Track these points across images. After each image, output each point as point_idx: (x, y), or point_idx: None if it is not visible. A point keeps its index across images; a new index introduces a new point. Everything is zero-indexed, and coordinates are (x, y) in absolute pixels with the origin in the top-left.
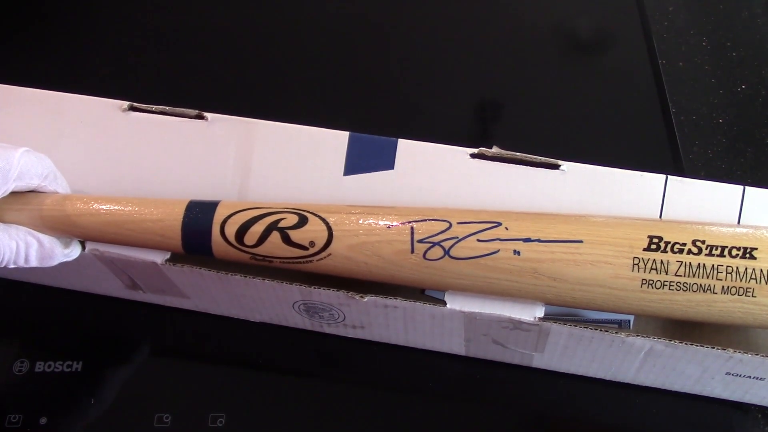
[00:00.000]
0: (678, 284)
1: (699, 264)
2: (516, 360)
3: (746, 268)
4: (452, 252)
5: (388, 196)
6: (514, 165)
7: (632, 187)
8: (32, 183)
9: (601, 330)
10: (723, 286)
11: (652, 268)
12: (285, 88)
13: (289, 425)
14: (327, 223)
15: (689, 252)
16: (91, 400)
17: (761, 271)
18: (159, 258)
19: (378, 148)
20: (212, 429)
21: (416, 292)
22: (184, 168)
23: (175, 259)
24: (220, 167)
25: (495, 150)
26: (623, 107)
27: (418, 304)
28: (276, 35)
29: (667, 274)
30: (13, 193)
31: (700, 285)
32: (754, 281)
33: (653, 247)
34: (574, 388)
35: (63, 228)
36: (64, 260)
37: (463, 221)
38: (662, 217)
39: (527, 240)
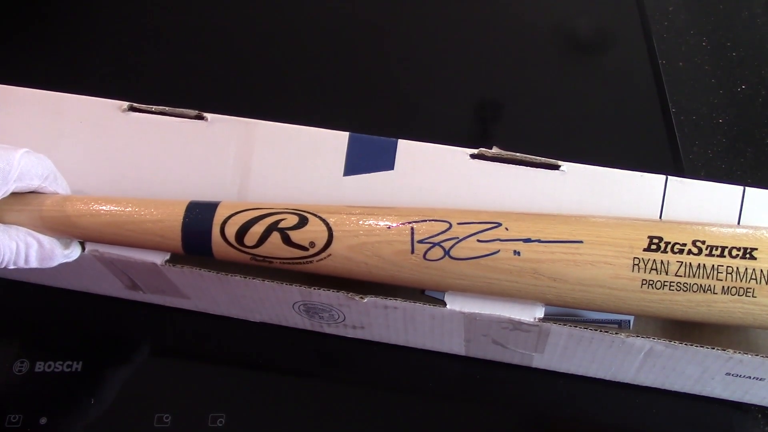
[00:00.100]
0: (678, 284)
1: (699, 264)
2: (516, 360)
3: (746, 269)
4: (452, 252)
5: (388, 197)
6: (513, 165)
7: (632, 188)
8: (32, 184)
9: (601, 330)
10: (723, 287)
11: (652, 269)
12: (285, 88)
13: (289, 425)
14: (327, 224)
15: (689, 252)
16: (91, 400)
17: (761, 271)
18: (159, 259)
19: (378, 148)
20: (212, 429)
21: (416, 292)
22: (184, 168)
23: (174, 260)
24: (219, 168)
25: (495, 150)
26: (623, 107)
27: (418, 305)
28: (276, 35)
29: (667, 274)
30: (13, 194)
31: (700, 285)
32: (754, 281)
33: (653, 247)
34: (574, 388)
35: (63, 229)
36: (64, 261)
37: (463, 222)
38: (662, 217)
39: (527, 240)
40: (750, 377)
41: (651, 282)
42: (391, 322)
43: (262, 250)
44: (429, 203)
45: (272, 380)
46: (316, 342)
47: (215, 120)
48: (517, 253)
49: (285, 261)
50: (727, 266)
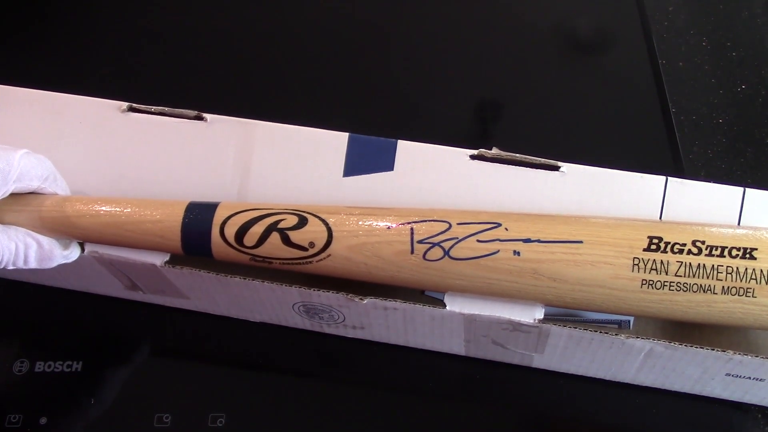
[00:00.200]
0: (678, 284)
1: (699, 264)
2: (516, 360)
3: (746, 269)
4: (452, 252)
5: (387, 197)
6: (513, 166)
7: (632, 188)
8: (32, 185)
9: (600, 331)
10: (723, 287)
11: (652, 269)
12: (285, 89)
13: (289, 425)
14: (327, 224)
15: (689, 252)
16: (91, 400)
17: (761, 271)
18: (158, 260)
19: (378, 149)
20: (212, 429)
21: (416, 293)
22: (183, 169)
23: (174, 260)
24: (219, 168)
25: (494, 151)
26: (623, 107)
27: (418, 306)
28: (276, 35)
29: (667, 274)
30: (13, 195)
31: (700, 285)
32: (754, 281)
33: (653, 247)
34: (574, 388)
35: (62, 229)
36: (64, 262)
37: (462, 222)
38: (662, 218)
39: (527, 240)
40: (750, 378)
41: (651, 282)
42: (391, 323)
43: (261, 251)
44: (429, 204)
45: (272, 380)
46: (316, 342)
47: (215, 120)
48: (516, 253)
49: (285, 261)
50: (727, 266)
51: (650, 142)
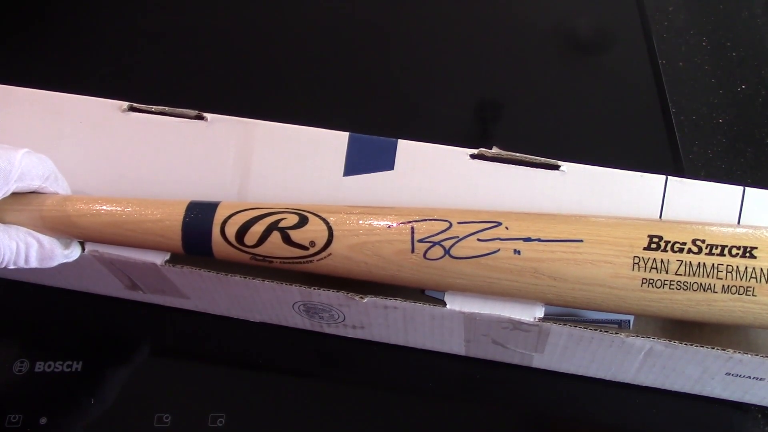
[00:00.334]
0: (678, 283)
1: (699, 263)
2: (516, 360)
3: (746, 267)
4: (453, 251)
5: (388, 197)
6: (513, 166)
7: (632, 188)
8: (33, 184)
9: (601, 330)
10: (723, 285)
11: (652, 268)
12: (285, 88)
13: (289, 425)
14: (327, 223)
15: (689, 251)
16: (91, 400)
17: (761, 270)
18: (158, 259)
19: (378, 148)
20: (212, 429)
21: (416, 292)
22: (184, 168)
23: (174, 260)
24: (219, 168)
25: (495, 151)
26: (623, 107)
27: (418, 305)
28: (276, 35)
29: (667, 273)
30: (14, 194)
31: (701, 284)
32: (754, 280)
33: (653, 246)
34: (574, 388)
35: (63, 229)
36: (64, 261)
37: (463, 221)
38: (662, 217)
39: (527, 239)
40: (750, 377)
41: (651, 281)
42: (391, 322)
43: (262, 250)
44: (429, 203)
45: (272, 380)
46: (316, 342)
47: (215, 120)
48: (517, 252)
49: (285, 260)
50: (727, 265)
51: (650, 142)
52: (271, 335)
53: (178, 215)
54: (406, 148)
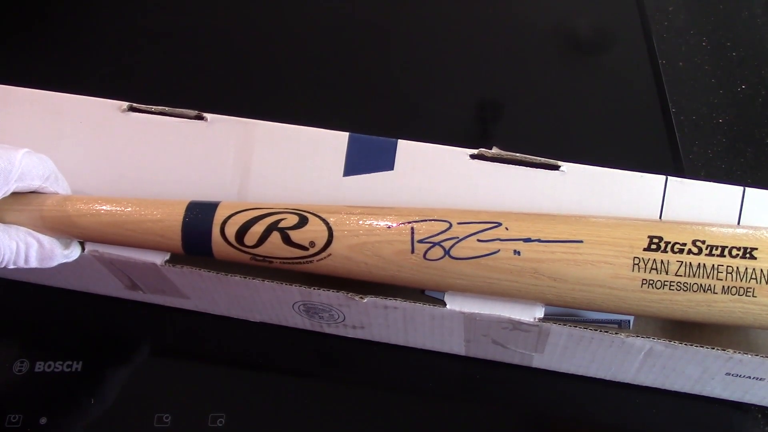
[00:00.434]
0: (678, 284)
1: (699, 264)
2: (516, 360)
3: (746, 268)
4: (452, 252)
5: (388, 197)
6: (513, 166)
7: (632, 188)
8: (33, 184)
9: (600, 330)
10: (723, 286)
11: (652, 268)
12: (285, 88)
13: (289, 425)
14: (327, 224)
15: (689, 252)
16: (91, 400)
17: (761, 271)
18: (158, 259)
19: (378, 148)
20: (212, 429)
21: (416, 292)
22: (183, 168)
23: (174, 260)
24: (219, 168)
25: (495, 151)
26: (623, 107)
27: (418, 305)
28: (276, 35)
29: (667, 274)
30: (14, 194)
31: (701, 285)
32: (754, 281)
33: (653, 247)
34: (574, 388)
35: (63, 229)
36: (64, 261)
37: (463, 221)
38: (662, 217)
39: (527, 240)
40: (750, 377)
41: (651, 282)
42: (391, 322)
43: (262, 250)
44: (429, 203)
45: (272, 380)
46: (316, 342)
47: (215, 120)
48: (517, 252)
49: (285, 261)
50: (727, 266)
51: (650, 142)
52: (271, 335)
53: (178, 215)
54: (406, 148)
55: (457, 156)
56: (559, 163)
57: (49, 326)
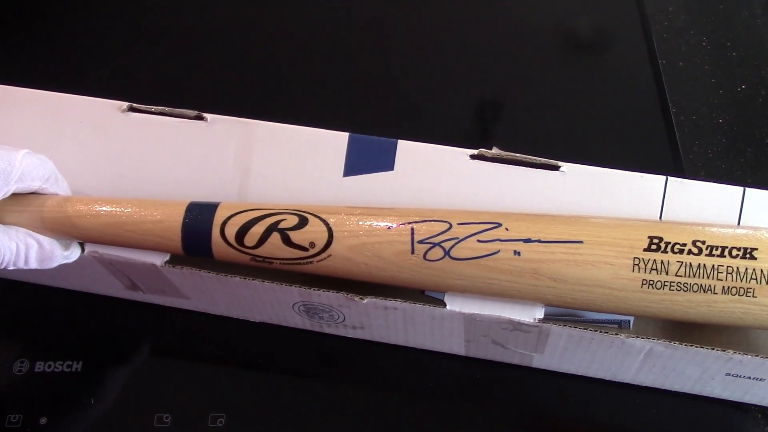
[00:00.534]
0: (678, 284)
1: (699, 264)
2: (516, 360)
3: (746, 269)
4: (453, 253)
5: (388, 197)
6: (513, 166)
7: (632, 189)
8: (33, 185)
9: (600, 331)
10: (723, 287)
11: (652, 269)
12: (285, 89)
13: (289, 425)
14: (327, 224)
15: (689, 252)
16: (91, 400)
17: (761, 271)
18: (158, 260)
19: (378, 149)
20: (212, 429)
21: (416, 293)
22: (183, 169)
23: (174, 260)
24: (219, 168)
25: (495, 151)
26: (623, 107)
27: (418, 306)
28: (276, 35)
29: (667, 274)
30: (14, 195)
31: (701, 285)
32: (754, 281)
33: (653, 247)
34: (574, 388)
35: (63, 229)
36: (64, 262)
37: (463, 222)
38: (662, 218)
39: (527, 240)
40: (750, 377)
41: (651, 282)
42: (391, 322)
43: (262, 251)
44: (429, 204)
45: (272, 380)
46: (316, 342)
47: (215, 120)
48: (517, 253)
49: (285, 261)
50: (728, 266)
51: (650, 142)
52: (271, 335)
53: (177, 216)
54: (406, 148)
55: (457, 156)
56: (559, 163)
57: (49, 326)
